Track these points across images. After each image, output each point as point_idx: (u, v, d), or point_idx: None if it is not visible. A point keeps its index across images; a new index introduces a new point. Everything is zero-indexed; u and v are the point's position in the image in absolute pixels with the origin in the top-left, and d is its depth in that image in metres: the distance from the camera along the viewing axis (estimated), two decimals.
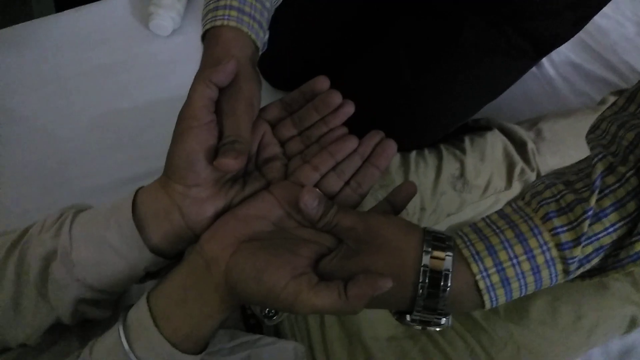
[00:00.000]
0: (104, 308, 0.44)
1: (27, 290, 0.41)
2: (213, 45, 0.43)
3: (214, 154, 0.38)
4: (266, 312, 0.60)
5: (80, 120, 0.92)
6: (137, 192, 0.41)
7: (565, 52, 1.08)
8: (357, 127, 0.79)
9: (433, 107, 0.76)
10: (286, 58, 0.85)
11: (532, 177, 0.80)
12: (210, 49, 0.43)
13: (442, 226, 0.77)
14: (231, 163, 0.37)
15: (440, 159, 0.76)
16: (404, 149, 0.77)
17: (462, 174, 0.75)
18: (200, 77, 0.39)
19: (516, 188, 0.80)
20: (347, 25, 0.85)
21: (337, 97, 0.44)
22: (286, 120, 0.45)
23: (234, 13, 0.44)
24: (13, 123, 0.90)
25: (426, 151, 0.78)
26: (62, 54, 0.98)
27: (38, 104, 0.93)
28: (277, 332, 0.60)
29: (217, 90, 0.39)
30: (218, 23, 0.44)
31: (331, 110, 0.44)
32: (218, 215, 0.40)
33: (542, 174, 0.80)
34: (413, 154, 0.77)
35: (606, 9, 0.73)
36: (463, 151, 0.77)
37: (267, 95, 0.96)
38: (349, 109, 0.44)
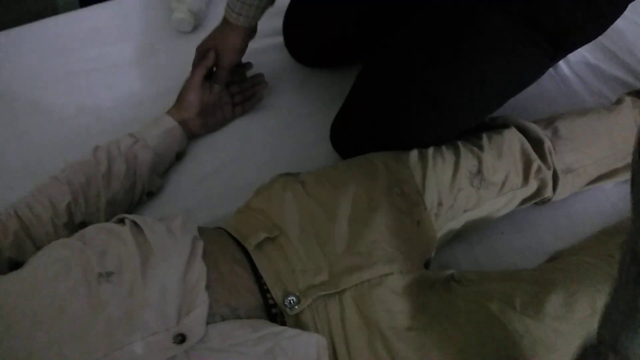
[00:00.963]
0: (161, 177, 0.86)
1: (117, 164, 0.76)
2: (223, 25, 0.86)
3: (203, 103, 0.88)
4: (287, 301, 0.61)
5: (104, 112, 0.94)
6: (166, 113, 0.86)
7: (581, 51, 1.09)
8: (370, 118, 0.80)
9: (447, 100, 0.77)
10: (310, 37, 0.98)
11: (548, 175, 0.80)
12: (220, 28, 0.86)
13: (459, 222, 0.78)
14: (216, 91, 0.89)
15: (457, 155, 0.77)
16: (421, 145, 0.78)
17: (479, 171, 0.76)
18: (198, 65, 0.86)
19: (532, 186, 0.81)
20: (371, 5, 0.87)
21: (260, 77, 0.97)
22: (234, 84, 0.94)
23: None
24: (38, 115, 0.93)
25: (444, 147, 0.78)
26: (86, 48, 1.00)
27: (63, 97, 0.95)
28: (298, 322, 0.61)
29: (210, 67, 0.86)
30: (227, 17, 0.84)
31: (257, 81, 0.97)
32: (203, 126, 0.91)
33: (559, 172, 0.81)
34: (430, 149, 0.77)
35: None
36: (481, 148, 0.78)
37: (294, 70, 1.04)
38: (264, 83, 0.97)
